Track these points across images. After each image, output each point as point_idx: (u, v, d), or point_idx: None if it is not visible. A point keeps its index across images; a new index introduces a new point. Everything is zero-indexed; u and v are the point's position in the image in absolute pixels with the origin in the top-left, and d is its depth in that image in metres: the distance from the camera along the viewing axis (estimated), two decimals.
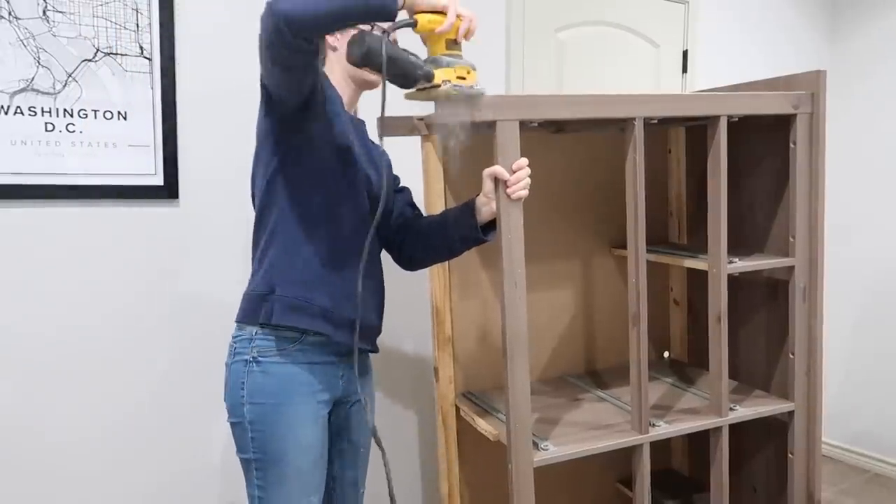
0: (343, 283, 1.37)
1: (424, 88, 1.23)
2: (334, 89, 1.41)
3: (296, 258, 1.35)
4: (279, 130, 1.33)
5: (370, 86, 1.47)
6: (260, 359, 1.34)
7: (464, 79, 1.23)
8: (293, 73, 1.23)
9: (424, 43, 1.24)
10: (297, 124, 1.32)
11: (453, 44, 1.22)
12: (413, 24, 1.19)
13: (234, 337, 1.40)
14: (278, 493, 1.35)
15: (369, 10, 1.16)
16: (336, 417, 1.48)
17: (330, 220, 1.37)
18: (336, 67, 1.43)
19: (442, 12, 1.18)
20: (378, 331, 1.51)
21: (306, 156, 1.34)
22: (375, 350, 1.52)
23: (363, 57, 1.19)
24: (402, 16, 1.20)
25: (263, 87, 1.30)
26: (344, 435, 1.51)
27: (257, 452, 1.35)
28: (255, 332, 1.36)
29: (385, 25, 1.23)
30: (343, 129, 1.38)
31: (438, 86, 1.22)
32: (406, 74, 1.20)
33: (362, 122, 1.51)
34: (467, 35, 1.22)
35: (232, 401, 1.37)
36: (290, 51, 1.16)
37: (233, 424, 1.38)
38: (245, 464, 1.38)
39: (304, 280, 1.35)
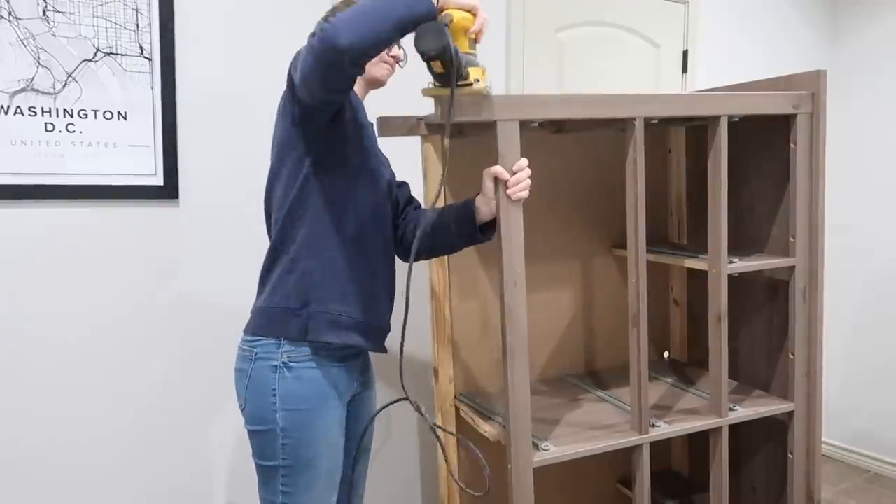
0: (371, 291, 1.39)
1: (461, 86, 1.24)
2: (357, 97, 1.41)
3: (332, 270, 1.33)
4: (310, 139, 1.31)
5: (378, 85, 1.48)
6: (291, 364, 1.32)
7: (480, 79, 1.25)
8: (337, 94, 1.25)
9: None
10: (327, 133, 1.32)
11: (474, 44, 1.23)
12: (448, 24, 1.18)
13: (249, 342, 1.35)
14: (306, 498, 1.33)
15: (417, 18, 1.15)
16: (351, 415, 1.48)
17: (360, 230, 1.37)
18: None
19: (471, 11, 1.19)
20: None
21: (336, 165, 1.34)
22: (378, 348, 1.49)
23: (443, 50, 1.15)
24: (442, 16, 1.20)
25: (296, 100, 1.29)
26: (357, 436, 1.51)
27: (287, 458, 1.32)
28: (283, 339, 1.33)
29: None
30: (370, 136, 1.41)
31: (471, 84, 1.23)
32: (460, 71, 1.20)
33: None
34: (480, 36, 1.23)
35: (257, 408, 1.32)
36: (342, 77, 1.18)
37: (257, 432, 1.33)
38: (268, 470, 1.34)
39: (342, 294, 1.34)
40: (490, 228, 1.44)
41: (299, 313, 1.32)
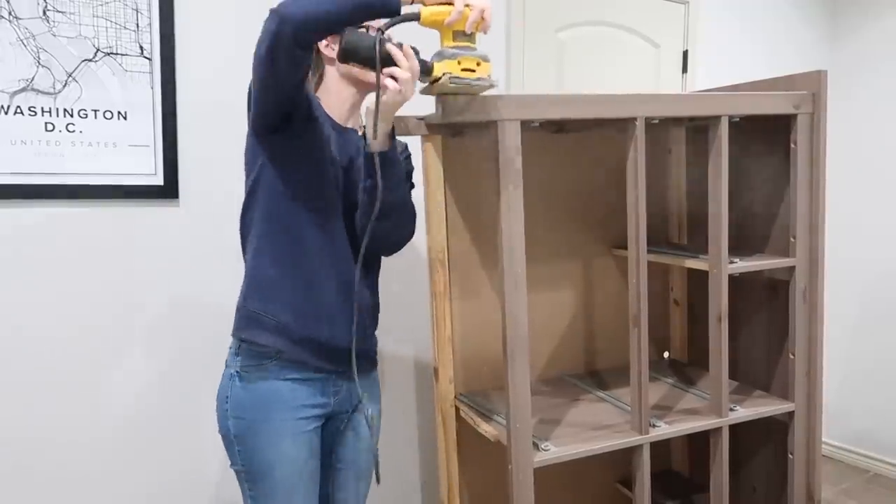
0: (311, 301, 1.35)
1: (426, 82, 1.23)
2: (323, 111, 1.39)
3: (263, 271, 1.35)
4: (260, 143, 1.33)
5: (371, 86, 1.43)
6: (242, 373, 1.35)
7: (473, 70, 1.21)
8: (284, 86, 1.23)
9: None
10: (277, 139, 1.31)
11: (463, 35, 1.21)
12: (416, 17, 1.18)
13: (229, 347, 1.41)
14: None
15: (372, 7, 1.15)
16: (327, 434, 1.46)
17: (301, 238, 1.34)
18: (334, 75, 1.42)
19: (449, 2, 1.17)
20: (354, 353, 1.38)
21: (283, 172, 1.33)
22: (360, 370, 1.42)
23: (342, 53, 1.18)
24: (413, 8, 1.19)
25: (249, 100, 1.31)
26: (334, 453, 1.49)
27: (245, 465, 1.35)
28: (239, 346, 1.37)
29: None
30: (324, 147, 1.36)
31: (438, 79, 1.22)
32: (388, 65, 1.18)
33: (354, 132, 1.46)
34: (479, 27, 1.21)
35: (218, 413, 1.38)
36: (288, 57, 1.16)
37: (221, 437, 1.39)
38: (237, 475, 1.39)
39: (270, 295, 1.34)
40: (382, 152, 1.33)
41: (239, 310, 1.37)
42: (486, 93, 1.32)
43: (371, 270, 1.49)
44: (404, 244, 1.49)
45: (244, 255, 1.40)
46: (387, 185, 1.31)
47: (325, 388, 1.39)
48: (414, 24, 1.22)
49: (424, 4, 1.19)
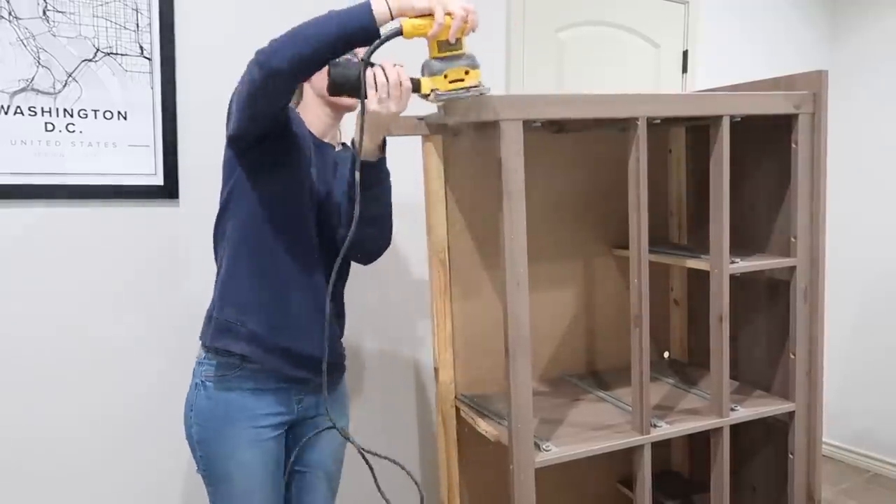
0: (282, 309, 1.37)
1: (424, 96, 1.22)
2: (303, 125, 1.40)
3: (234, 282, 1.37)
4: (236, 156, 1.35)
5: (348, 108, 1.46)
6: (206, 383, 1.38)
7: (461, 80, 1.20)
8: (264, 119, 1.26)
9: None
10: (254, 153, 1.33)
11: (447, 44, 1.19)
12: (399, 32, 1.17)
13: (196, 357, 1.43)
14: None
15: (351, 38, 1.15)
16: (292, 439, 1.47)
17: (274, 248, 1.36)
18: (310, 93, 1.44)
19: (428, 14, 1.15)
20: (325, 361, 1.34)
21: (259, 184, 1.34)
22: (326, 378, 1.38)
23: (330, 88, 1.19)
24: (394, 24, 1.18)
25: (229, 114, 1.32)
26: (300, 457, 1.50)
27: (206, 470, 1.39)
28: (203, 357, 1.40)
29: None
30: (301, 161, 1.37)
31: (427, 95, 1.21)
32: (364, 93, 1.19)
33: (331, 147, 1.48)
34: (465, 31, 1.18)
35: (184, 419, 1.42)
36: (269, 100, 1.21)
37: (187, 441, 1.42)
38: (202, 478, 1.42)
39: (238, 303, 1.36)
40: (372, 162, 1.34)
41: (210, 320, 1.40)
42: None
43: (341, 279, 1.51)
44: (381, 254, 1.51)
45: (216, 262, 1.43)
46: (373, 194, 1.34)
47: (288, 398, 1.42)
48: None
49: (406, 17, 1.17)
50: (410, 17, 1.17)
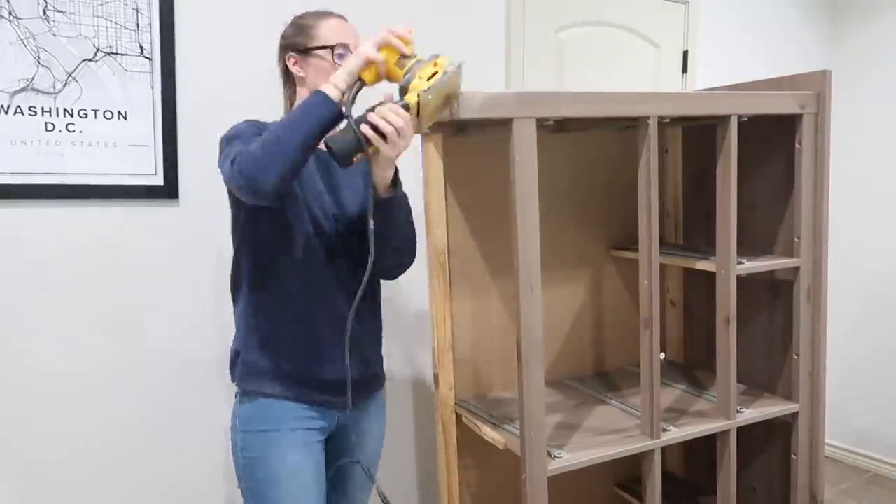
0: (308, 342, 1.37)
1: (420, 113, 1.22)
2: None
3: (258, 322, 1.38)
4: (236, 202, 1.36)
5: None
6: (248, 390, 1.39)
7: (435, 73, 1.20)
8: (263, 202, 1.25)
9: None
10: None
11: (403, 58, 1.22)
12: (362, 85, 1.21)
13: (235, 395, 1.45)
14: None
15: (324, 129, 1.17)
16: (330, 449, 1.47)
17: (291, 282, 1.36)
18: (305, 95, 1.41)
19: (373, 61, 1.19)
20: (368, 378, 1.48)
21: (258, 228, 1.35)
22: (369, 392, 1.50)
23: (338, 161, 1.18)
24: (354, 87, 1.21)
25: (220, 154, 1.32)
26: (337, 465, 1.50)
27: (250, 480, 1.37)
28: (237, 394, 1.42)
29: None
30: (305, 189, 1.37)
31: (419, 101, 1.21)
32: (362, 146, 1.18)
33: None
34: (405, 41, 1.21)
35: (230, 434, 1.41)
36: (267, 202, 1.21)
37: (232, 453, 1.41)
38: (242, 494, 1.41)
39: (261, 339, 1.37)
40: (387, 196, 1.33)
41: (236, 362, 1.42)
42: (487, 91, 1.31)
43: (374, 294, 1.50)
44: (405, 271, 1.51)
45: (233, 296, 1.44)
46: (395, 224, 1.35)
47: (327, 413, 1.42)
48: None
49: (359, 75, 1.20)
50: (362, 71, 1.21)
